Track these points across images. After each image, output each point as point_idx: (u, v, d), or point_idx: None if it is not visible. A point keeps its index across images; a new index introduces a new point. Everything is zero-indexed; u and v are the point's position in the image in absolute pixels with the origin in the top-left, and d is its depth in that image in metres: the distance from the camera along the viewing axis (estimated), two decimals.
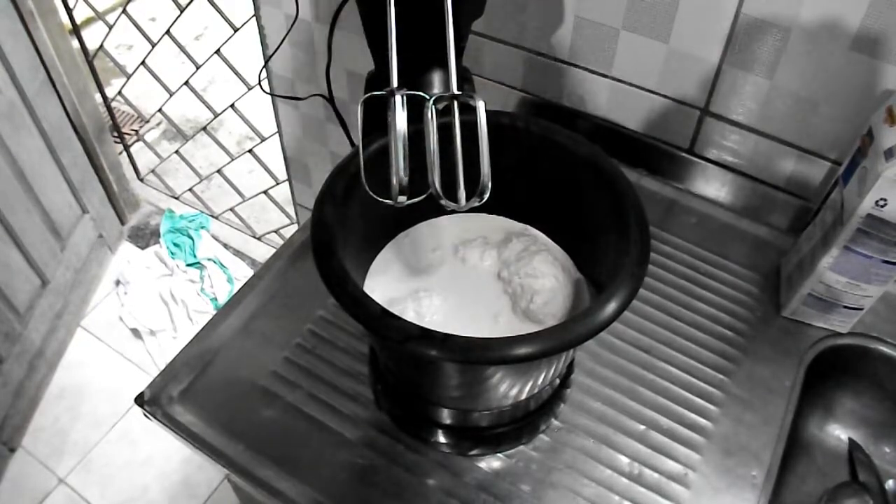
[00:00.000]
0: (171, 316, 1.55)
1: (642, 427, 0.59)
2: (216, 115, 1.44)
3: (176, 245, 1.65)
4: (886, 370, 0.66)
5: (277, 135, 1.20)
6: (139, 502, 1.32)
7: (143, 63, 1.46)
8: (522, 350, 0.42)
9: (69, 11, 1.51)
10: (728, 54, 0.66)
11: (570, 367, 0.62)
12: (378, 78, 0.55)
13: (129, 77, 1.58)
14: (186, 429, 0.59)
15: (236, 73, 1.31)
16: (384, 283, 0.58)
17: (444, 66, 0.49)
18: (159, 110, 1.58)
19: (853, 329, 0.66)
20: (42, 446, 1.39)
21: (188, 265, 1.62)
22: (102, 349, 1.53)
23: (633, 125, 0.78)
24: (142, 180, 1.86)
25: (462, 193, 0.43)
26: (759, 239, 0.73)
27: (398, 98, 0.43)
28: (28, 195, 1.34)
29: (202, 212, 1.75)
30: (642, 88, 0.74)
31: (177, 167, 1.80)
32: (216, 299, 1.57)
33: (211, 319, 0.66)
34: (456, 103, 0.44)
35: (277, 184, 1.46)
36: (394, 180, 0.43)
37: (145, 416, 0.60)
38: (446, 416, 0.57)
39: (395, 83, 0.44)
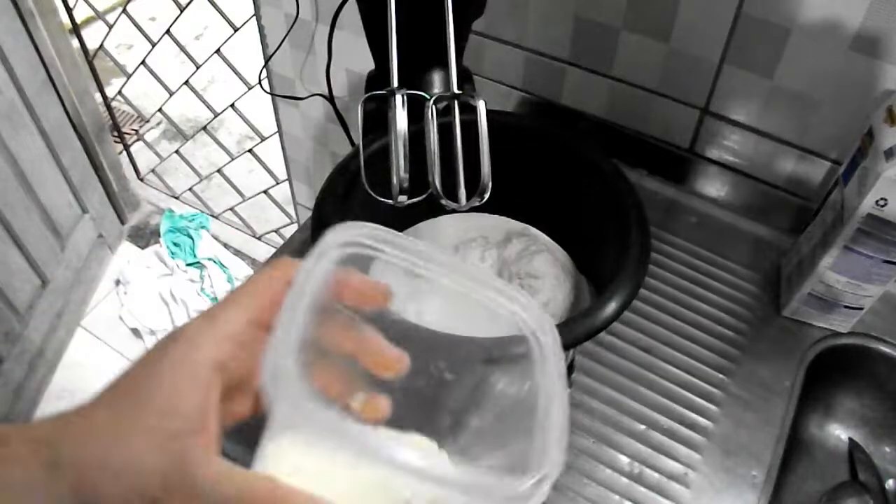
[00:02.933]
0: (171, 316, 1.55)
1: (642, 427, 0.59)
2: (216, 115, 1.44)
3: (176, 245, 1.65)
4: (886, 370, 0.66)
5: (277, 135, 1.20)
6: None
7: (143, 63, 1.46)
8: (522, 350, 0.42)
9: (69, 11, 1.51)
10: (728, 54, 0.66)
11: (570, 367, 0.62)
12: (378, 78, 0.55)
13: (129, 77, 1.58)
14: None
15: (236, 72, 1.31)
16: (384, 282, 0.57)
17: (445, 66, 0.49)
18: (159, 110, 1.58)
19: (853, 329, 0.66)
20: None
21: (188, 265, 1.62)
22: (102, 349, 1.53)
23: (633, 125, 0.78)
24: (142, 180, 1.86)
25: (462, 193, 0.43)
26: (759, 239, 0.73)
27: (398, 98, 0.43)
28: (28, 195, 1.34)
29: (202, 211, 1.75)
30: (642, 88, 0.74)
31: (177, 167, 1.79)
32: (216, 299, 1.57)
33: None
34: (456, 103, 0.44)
35: (277, 183, 1.46)
36: (394, 180, 0.42)
37: None
38: None
39: (395, 83, 0.44)
